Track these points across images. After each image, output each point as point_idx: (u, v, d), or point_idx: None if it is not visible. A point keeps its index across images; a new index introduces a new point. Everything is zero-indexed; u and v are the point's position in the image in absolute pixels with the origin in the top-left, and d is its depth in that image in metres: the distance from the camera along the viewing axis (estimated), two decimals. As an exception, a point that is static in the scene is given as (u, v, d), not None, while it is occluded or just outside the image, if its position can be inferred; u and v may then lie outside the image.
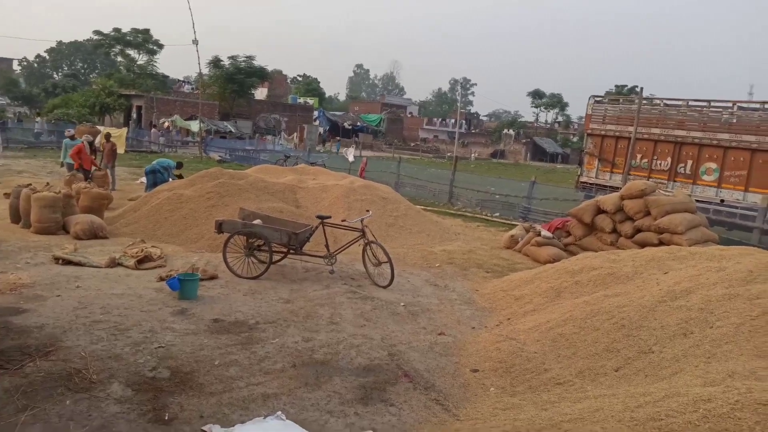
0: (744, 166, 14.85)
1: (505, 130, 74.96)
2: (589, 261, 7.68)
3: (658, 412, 3.40)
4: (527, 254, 10.86)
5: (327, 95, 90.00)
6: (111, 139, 16.99)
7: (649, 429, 3.23)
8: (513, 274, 8.72)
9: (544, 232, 10.99)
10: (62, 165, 15.51)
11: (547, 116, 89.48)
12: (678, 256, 7.15)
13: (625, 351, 4.84)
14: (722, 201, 14.98)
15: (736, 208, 14.30)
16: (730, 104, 15.80)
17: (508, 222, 15.56)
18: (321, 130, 57.10)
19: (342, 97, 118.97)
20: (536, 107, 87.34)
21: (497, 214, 16.99)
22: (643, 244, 9.70)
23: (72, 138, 15.11)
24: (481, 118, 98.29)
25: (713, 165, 15.50)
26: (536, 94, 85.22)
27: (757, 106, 15.62)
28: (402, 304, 7.03)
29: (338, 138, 54.40)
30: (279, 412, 4.09)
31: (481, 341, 5.89)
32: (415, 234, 11.38)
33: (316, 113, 62.19)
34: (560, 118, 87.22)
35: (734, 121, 15.33)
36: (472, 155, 60.52)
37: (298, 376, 4.71)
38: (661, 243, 9.68)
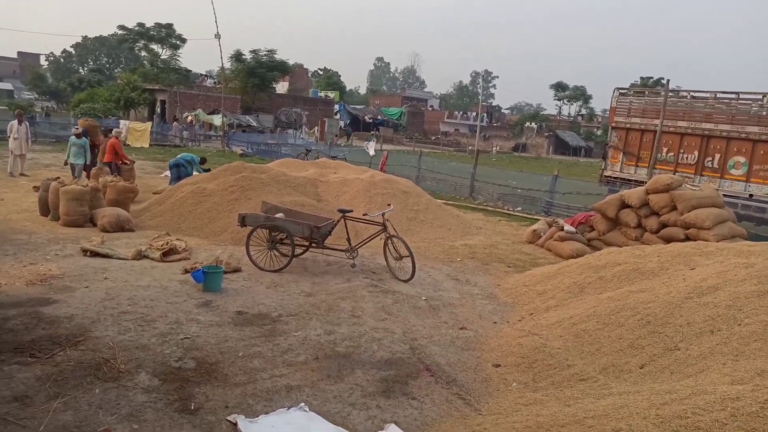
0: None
1: (527, 124, 74.23)
2: (613, 256, 7.58)
3: (684, 409, 3.34)
4: (550, 249, 10.77)
5: (347, 89, 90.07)
6: (110, 135, 14.93)
7: (675, 427, 3.19)
8: (535, 269, 8.66)
9: (567, 227, 10.88)
10: (66, 163, 13.56)
11: (570, 109, 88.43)
12: (705, 252, 7.02)
13: (650, 348, 4.77)
14: (751, 196, 14.64)
15: (766, 202, 13.97)
16: (759, 96, 15.40)
17: (530, 216, 15.44)
18: (342, 123, 57.18)
19: (362, 91, 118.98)
20: (559, 100, 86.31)
21: (519, 208, 16.86)
22: (668, 240, 9.55)
23: (78, 136, 13.36)
24: (502, 111, 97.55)
25: (742, 159, 15.15)
26: (559, 87, 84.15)
27: None
28: (423, 298, 7.04)
29: (373, 132, 54.51)
30: (302, 404, 4.14)
31: (503, 336, 5.86)
32: (436, 228, 11.36)
33: (336, 107, 62.29)
34: (583, 111, 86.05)
35: (764, 113, 14.94)
36: (494, 149, 60.13)
37: (321, 369, 4.76)
38: (687, 238, 9.52)
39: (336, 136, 46.27)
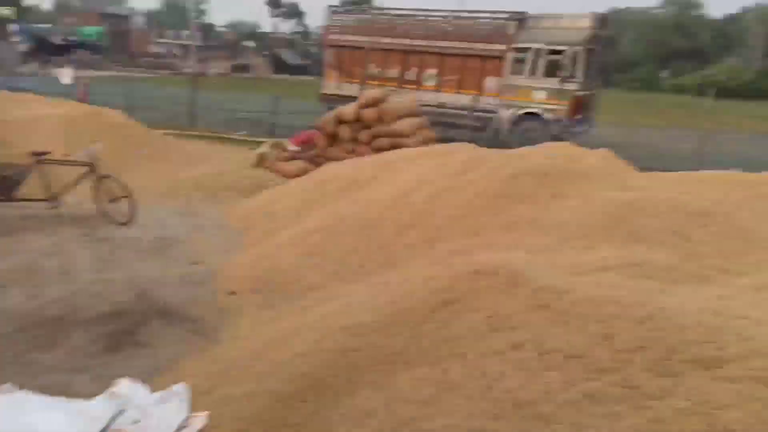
0: (457, 71, 16.83)
1: (244, 42, 72.14)
2: (333, 170, 8.09)
3: (395, 294, 3.86)
4: (277, 170, 10.91)
5: (25, 4, 74.12)
6: None
7: (387, 312, 3.64)
8: (264, 192, 8.74)
9: (291, 147, 11.16)
10: None
11: (288, 27, 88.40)
12: (408, 158, 7.96)
13: (366, 248, 5.32)
14: (441, 104, 16.88)
15: (453, 109, 16.33)
16: (447, 13, 17.38)
17: (256, 140, 15.36)
18: (24, 47, 47.48)
19: (47, 6, 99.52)
20: (274, 17, 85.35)
21: (244, 132, 16.61)
22: (379, 150, 10.49)
23: None
24: (217, 29, 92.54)
25: (434, 71, 17.23)
26: (273, 3, 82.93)
27: (468, 15, 17.49)
28: (147, 239, 6.55)
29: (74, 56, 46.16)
30: (8, 384, 3.56)
31: (238, 264, 5.86)
32: (156, 162, 10.52)
33: (14, 27, 51.12)
34: (299, 29, 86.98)
35: (450, 29, 17.01)
36: (212, 70, 57.29)
37: (28, 340, 4.14)
38: (393, 147, 10.60)
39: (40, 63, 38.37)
